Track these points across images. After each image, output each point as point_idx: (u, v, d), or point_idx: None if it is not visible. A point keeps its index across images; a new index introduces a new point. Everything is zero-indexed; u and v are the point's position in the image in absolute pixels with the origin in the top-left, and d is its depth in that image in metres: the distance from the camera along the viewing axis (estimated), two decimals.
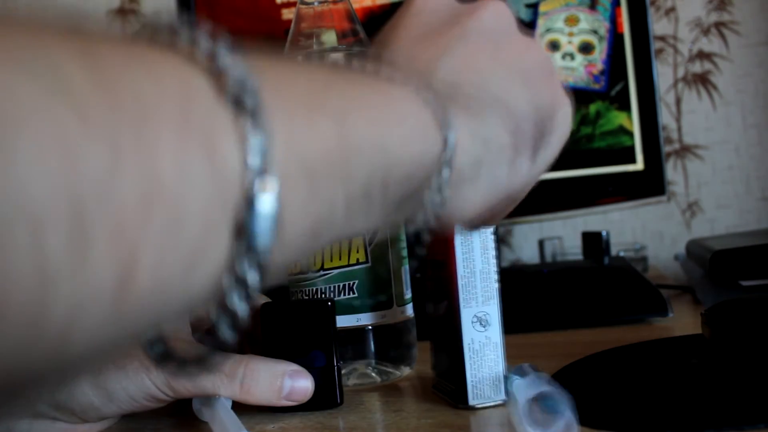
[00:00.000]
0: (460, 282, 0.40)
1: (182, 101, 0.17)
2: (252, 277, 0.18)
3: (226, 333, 0.19)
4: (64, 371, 0.16)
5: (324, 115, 0.21)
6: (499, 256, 0.41)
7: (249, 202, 0.17)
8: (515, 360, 0.43)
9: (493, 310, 0.40)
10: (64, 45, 0.15)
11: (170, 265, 0.16)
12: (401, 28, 0.30)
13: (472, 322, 0.40)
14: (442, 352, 0.43)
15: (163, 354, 0.21)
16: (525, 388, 0.36)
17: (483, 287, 0.40)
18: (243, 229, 0.17)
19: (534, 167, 0.30)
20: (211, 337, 0.19)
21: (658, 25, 1.01)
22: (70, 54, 0.15)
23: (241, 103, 0.18)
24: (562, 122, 0.32)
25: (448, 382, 0.42)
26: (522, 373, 0.39)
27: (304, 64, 0.23)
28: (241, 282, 0.18)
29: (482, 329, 0.40)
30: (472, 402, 0.40)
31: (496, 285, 0.40)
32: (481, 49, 0.29)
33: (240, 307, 0.18)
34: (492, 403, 0.40)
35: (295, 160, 0.19)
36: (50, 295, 0.14)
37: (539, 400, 0.34)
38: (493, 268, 0.40)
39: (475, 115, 0.27)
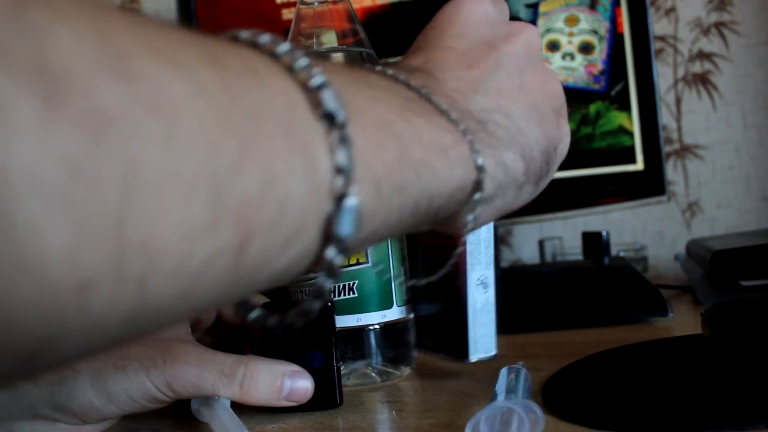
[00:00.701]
0: (469, 248, 0.44)
1: (287, 115, 0.21)
2: (337, 260, 0.22)
3: (313, 305, 0.23)
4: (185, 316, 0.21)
5: (391, 137, 0.26)
6: (497, 238, 0.44)
7: (337, 201, 0.22)
8: (515, 360, 0.43)
9: (491, 274, 0.45)
10: (200, 52, 0.20)
11: (272, 243, 0.20)
12: (446, 47, 0.34)
13: (476, 285, 0.44)
14: (438, 313, 0.47)
15: (261, 315, 0.25)
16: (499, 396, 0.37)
17: (485, 254, 0.44)
18: (331, 222, 0.22)
19: (535, 191, 0.36)
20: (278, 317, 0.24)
21: (658, 25, 1.01)
22: (204, 63, 0.19)
23: (332, 119, 0.22)
24: (562, 152, 0.37)
25: (445, 340, 0.46)
26: (508, 376, 0.40)
27: (380, 85, 0.28)
28: (329, 264, 0.22)
29: (484, 291, 0.44)
30: (471, 357, 0.44)
31: (493, 252, 0.45)
32: (510, 81, 0.34)
33: (328, 282, 0.23)
34: (486, 356, 0.45)
35: (367, 171, 0.23)
36: (192, 248, 0.18)
37: (502, 413, 0.34)
38: (492, 236, 0.45)
39: (500, 142, 0.32)
